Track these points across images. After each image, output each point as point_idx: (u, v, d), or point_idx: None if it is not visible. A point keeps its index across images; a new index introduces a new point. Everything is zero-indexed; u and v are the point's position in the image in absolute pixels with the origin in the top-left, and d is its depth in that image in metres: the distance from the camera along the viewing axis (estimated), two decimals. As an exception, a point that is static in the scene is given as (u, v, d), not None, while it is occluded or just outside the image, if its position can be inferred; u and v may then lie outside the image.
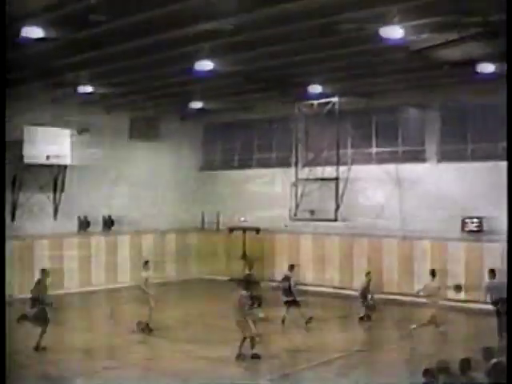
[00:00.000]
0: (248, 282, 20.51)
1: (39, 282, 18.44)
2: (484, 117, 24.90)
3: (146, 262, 21.51)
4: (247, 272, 23.33)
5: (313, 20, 16.18)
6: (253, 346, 17.15)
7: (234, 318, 17.42)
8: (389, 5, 14.98)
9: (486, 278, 20.02)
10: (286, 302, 21.80)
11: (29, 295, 18.18)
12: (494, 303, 19.25)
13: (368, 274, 23.15)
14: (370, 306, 22.49)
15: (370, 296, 22.63)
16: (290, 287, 21.74)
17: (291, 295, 21.70)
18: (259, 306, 20.96)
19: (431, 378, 10.70)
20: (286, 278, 21.98)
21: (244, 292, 17.63)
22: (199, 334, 20.75)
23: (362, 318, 22.39)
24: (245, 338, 17.14)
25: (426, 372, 10.91)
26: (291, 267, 22.41)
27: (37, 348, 17.65)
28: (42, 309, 17.86)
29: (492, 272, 19.80)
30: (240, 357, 17.05)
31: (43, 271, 18.85)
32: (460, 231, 25.18)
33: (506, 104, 11.12)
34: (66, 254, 28.32)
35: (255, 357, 17.09)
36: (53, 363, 16.79)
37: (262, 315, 20.41)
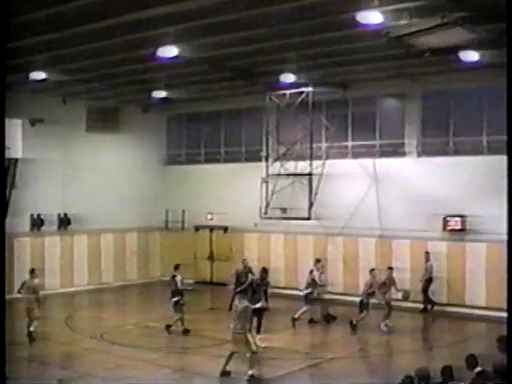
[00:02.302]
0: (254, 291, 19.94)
1: None
2: (468, 108, 24.99)
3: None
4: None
5: (285, 3, 16.06)
6: (252, 365, 15.61)
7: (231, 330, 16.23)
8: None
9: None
10: (306, 297, 22.40)
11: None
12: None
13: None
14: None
15: None
16: (313, 280, 22.61)
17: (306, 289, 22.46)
18: (258, 330, 19.51)
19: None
20: (310, 272, 22.90)
21: (246, 302, 16.35)
22: (161, 341, 20.63)
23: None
24: (233, 353, 15.89)
25: (406, 378, 10.92)
26: (317, 261, 23.41)
27: None
28: None
29: None
30: (225, 374, 15.85)
31: None
32: (441, 230, 25.26)
33: (506, 101, 11.10)
34: (16, 255, 27.93)
35: (253, 380, 15.51)
36: None
37: (262, 346, 18.26)
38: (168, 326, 20.91)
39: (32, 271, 20.93)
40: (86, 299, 28.95)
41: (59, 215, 29.66)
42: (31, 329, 19.88)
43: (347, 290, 27.13)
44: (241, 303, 16.28)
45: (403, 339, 21.53)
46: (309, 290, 22.61)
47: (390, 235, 26.32)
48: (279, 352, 18.68)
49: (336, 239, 27.86)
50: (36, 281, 20.65)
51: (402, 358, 18.81)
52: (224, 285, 30.24)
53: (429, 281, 24.86)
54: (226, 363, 15.96)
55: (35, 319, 20.05)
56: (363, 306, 21.67)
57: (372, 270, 22.39)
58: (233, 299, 22.52)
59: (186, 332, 20.89)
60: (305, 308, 22.53)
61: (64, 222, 29.79)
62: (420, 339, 22.16)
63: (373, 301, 21.73)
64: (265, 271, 22.25)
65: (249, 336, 15.93)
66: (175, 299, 20.98)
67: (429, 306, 24.84)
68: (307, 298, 22.62)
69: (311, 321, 22.71)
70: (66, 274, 29.58)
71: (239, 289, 21.82)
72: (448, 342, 20.98)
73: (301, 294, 23.20)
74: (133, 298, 30.53)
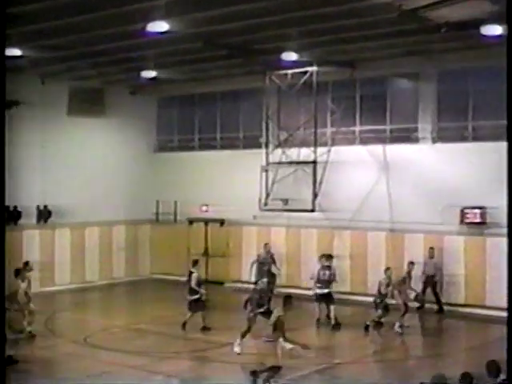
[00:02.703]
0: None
1: None
2: (489, 89, 24.69)
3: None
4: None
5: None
6: (270, 376, 15.52)
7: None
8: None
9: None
10: (320, 297, 22.37)
11: None
12: None
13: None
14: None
15: None
16: (329, 278, 22.47)
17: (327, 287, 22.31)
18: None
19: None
20: (327, 267, 22.66)
21: (279, 311, 15.95)
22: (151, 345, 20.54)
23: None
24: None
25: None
26: (329, 257, 23.13)
27: None
28: None
29: None
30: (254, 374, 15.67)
31: None
32: (459, 223, 25.20)
33: (507, 92, 11.03)
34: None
35: None
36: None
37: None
38: (204, 328, 21.24)
39: (26, 264, 21.30)
40: (68, 299, 28.88)
41: (38, 207, 29.54)
42: (28, 329, 20.31)
43: (355, 288, 27.09)
44: (277, 311, 16.04)
45: (419, 342, 21.67)
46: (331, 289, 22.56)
47: (402, 229, 26.28)
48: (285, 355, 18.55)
49: (343, 233, 27.84)
50: (27, 274, 20.85)
51: (417, 363, 18.79)
52: (220, 283, 30.15)
53: (433, 279, 24.91)
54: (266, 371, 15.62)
55: (30, 314, 20.37)
56: (378, 305, 21.82)
57: (387, 269, 22.39)
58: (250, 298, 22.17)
59: (204, 329, 21.22)
60: (332, 306, 22.49)
61: (44, 214, 29.67)
62: (437, 343, 22.00)
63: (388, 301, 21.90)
64: (272, 276, 22.27)
65: (277, 348, 15.59)
66: (193, 297, 21.25)
67: (417, 304, 24.57)
68: (330, 297, 22.56)
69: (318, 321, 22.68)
70: (46, 271, 29.24)
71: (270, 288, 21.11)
72: (467, 346, 20.99)
73: (323, 291, 22.58)
74: (120, 297, 30.47)
